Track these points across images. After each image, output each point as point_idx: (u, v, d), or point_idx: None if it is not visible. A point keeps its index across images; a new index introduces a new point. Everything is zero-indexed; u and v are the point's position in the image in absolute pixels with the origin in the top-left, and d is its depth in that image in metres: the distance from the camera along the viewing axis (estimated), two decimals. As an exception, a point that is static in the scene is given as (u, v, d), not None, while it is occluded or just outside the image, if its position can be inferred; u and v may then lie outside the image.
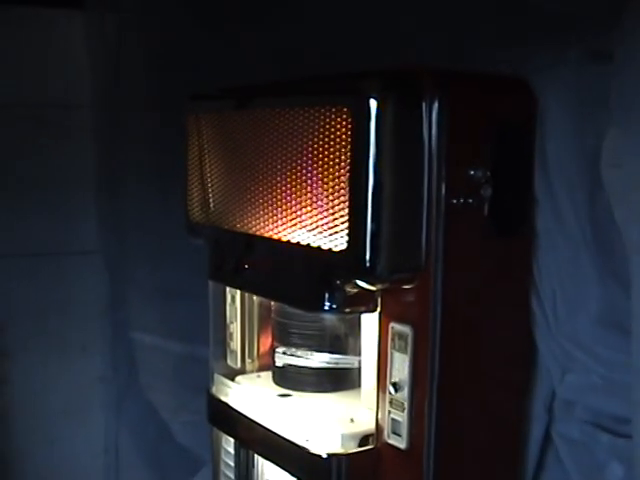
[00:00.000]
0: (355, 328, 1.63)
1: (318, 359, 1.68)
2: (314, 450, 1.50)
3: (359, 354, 1.63)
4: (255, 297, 1.82)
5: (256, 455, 1.72)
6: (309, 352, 1.68)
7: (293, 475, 1.58)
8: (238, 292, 1.82)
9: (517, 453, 1.62)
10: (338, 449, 1.50)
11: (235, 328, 1.84)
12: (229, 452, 1.80)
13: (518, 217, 1.49)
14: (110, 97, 2.46)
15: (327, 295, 1.43)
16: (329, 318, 1.65)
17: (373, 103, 1.30)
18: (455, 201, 1.37)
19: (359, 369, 1.63)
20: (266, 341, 1.85)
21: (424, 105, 1.34)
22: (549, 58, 1.48)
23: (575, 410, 1.60)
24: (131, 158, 2.45)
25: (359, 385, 1.64)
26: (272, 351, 1.78)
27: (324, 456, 1.49)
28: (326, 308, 1.44)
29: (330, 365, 1.68)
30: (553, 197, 1.50)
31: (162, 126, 2.30)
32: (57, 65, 2.52)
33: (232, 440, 1.78)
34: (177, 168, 1.88)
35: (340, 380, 1.69)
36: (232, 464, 1.78)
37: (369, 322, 1.53)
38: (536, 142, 1.49)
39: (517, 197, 1.48)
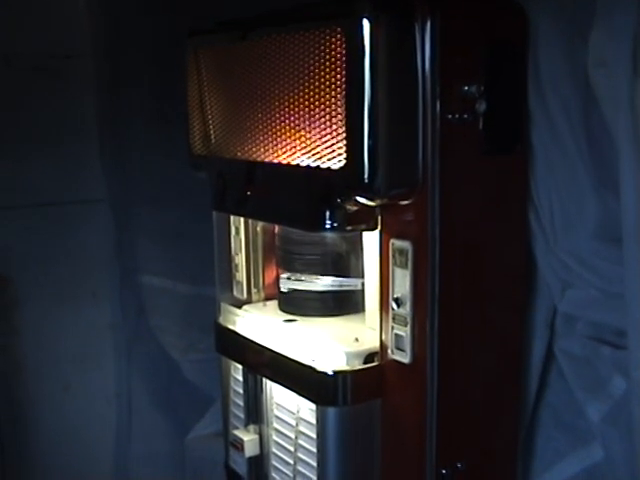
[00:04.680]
0: (358, 251, 1.66)
1: (322, 282, 1.70)
2: (320, 368, 1.53)
3: (362, 277, 1.65)
4: (259, 228, 1.84)
5: (264, 380, 1.75)
6: (313, 276, 1.70)
7: (301, 395, 1.60)
8: (242, 223, 1.83)
9: (520, 369, 1.65)
10: (343, 366, 1.53)
11: (240, 259, 1.85)
12: (238, 380, 1.82)
13: (513, 133, 1.50)
14: (109, 42, 2.45)
15: (328, 213, 1.44)
16: (332, 241, 1.67)
17: (366, 23, 1.31)
18: (450, 116, 1.39)
19: (362, 292, 1.66)
20: (271, 272, 1.87)
21: (417, 24, 1.35)
22: None
23: (576, 325, 1.63)
24: (133, 103, 2.45)
25: (363, 309, 1.66)
26: (277, 281, 1.80)
27: (330, 373, 1.52)
28: (327, 226, 1.45)
29: (334, 288, 1.70)
30: (548, 114, 1.51)
31: (162, 68, 2.30)
32: (57, 14, 2.50)
33: (240, 368, 1.81)
34: (179, 109, 1.88)
35: (344, 303, 1.72)
36: (241, 391, 1.81)
37: (371, 243, 1.55)
38: (529, 61, 1.50)
39: (511, 112, 1.49)
